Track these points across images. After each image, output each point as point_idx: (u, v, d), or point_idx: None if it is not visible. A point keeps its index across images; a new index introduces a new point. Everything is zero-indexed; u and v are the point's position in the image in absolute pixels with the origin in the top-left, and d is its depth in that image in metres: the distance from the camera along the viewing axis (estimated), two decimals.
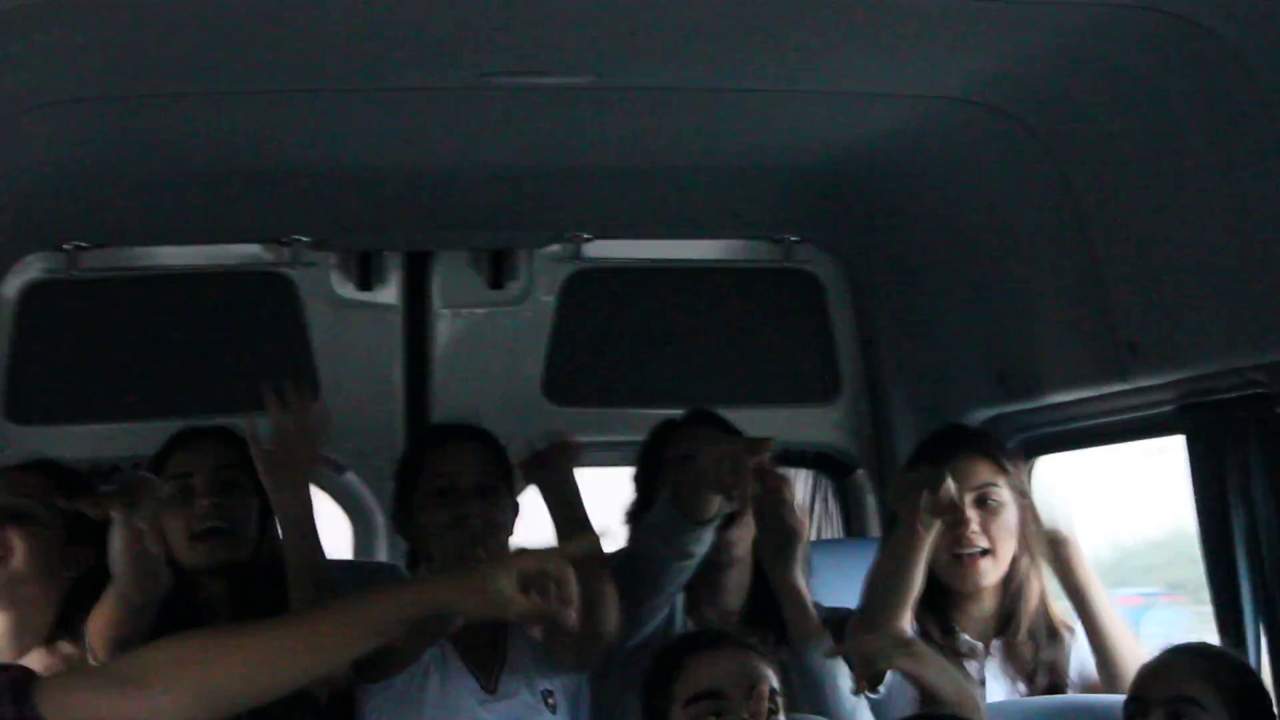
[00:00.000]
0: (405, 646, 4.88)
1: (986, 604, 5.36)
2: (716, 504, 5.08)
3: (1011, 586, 5.36)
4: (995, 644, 5.37)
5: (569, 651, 5.14)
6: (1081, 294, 5.58)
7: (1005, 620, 5.35)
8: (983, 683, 5.28)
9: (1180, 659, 4.50)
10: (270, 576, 5.18)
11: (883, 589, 5.05)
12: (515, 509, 5.36)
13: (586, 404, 6.88)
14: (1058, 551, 5.45)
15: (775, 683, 4.46)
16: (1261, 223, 4.62)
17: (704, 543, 5.18)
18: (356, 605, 3.56)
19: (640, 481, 5.70)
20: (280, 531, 5.17)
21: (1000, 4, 4.58)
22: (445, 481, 5.22)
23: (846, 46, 4.96)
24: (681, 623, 5.44)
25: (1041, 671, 5.33)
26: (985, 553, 5.30)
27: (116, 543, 4.79)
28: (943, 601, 5.36)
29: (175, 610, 5.03)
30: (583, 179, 6.31)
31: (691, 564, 5.22)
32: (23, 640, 5.20)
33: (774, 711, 4.41)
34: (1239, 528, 5.13)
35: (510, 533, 5.30)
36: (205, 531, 5.24)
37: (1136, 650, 5.27)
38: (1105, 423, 5.98)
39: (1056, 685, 5.41)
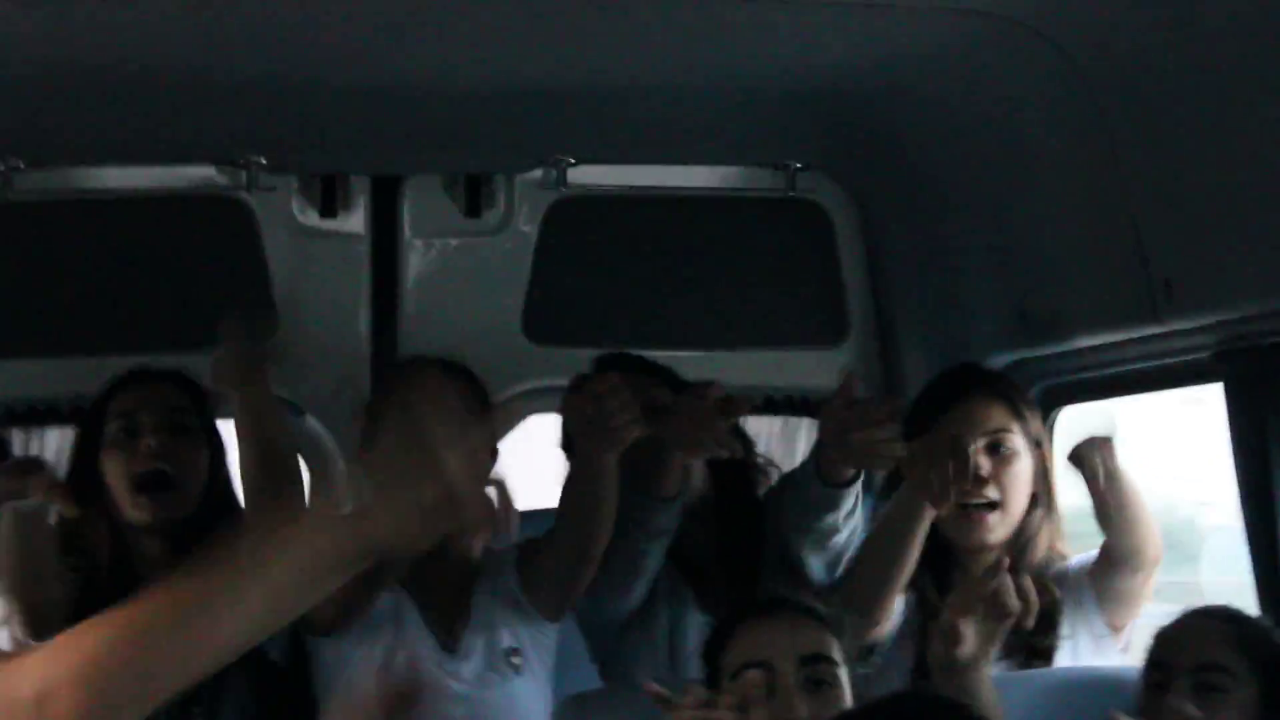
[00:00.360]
0: (350, 597, 4.83)
1: (989, 559, 5.07)
2: (678, 478, 5.15)
3: (1021, 539, 5.29)
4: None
5: (551, 583, 5.18)
6: (1112, 228, 5.46)
7: (1011, 571, 5.11)
8: None
9: (1207, 623, 4.45)
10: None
11: (875, 563, 5.10)
12: (494, 454, 5.32)
13: (569, 344, 6.74)
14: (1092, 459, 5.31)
15: (833, 652, 4.31)
16: None
17: (675, 515, 5.21)
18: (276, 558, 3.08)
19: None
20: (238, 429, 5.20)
21: None
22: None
23: None
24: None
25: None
26: (994, 505, 5.23)
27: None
28: (943, 558, 5.30)
29: (110, 572, 5.10)
30: (567, 98, 6.11)
31: (667, 539, 5.24)
32: None
33: (827, 683, 4.26)
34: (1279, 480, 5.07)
35: None
36: (149, 476, 5.19)
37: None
38: (1136, 369, 5.89)
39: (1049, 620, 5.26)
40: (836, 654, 4.29)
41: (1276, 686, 4.34)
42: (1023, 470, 5.26)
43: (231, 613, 3.02)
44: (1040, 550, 5.30)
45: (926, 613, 5.15)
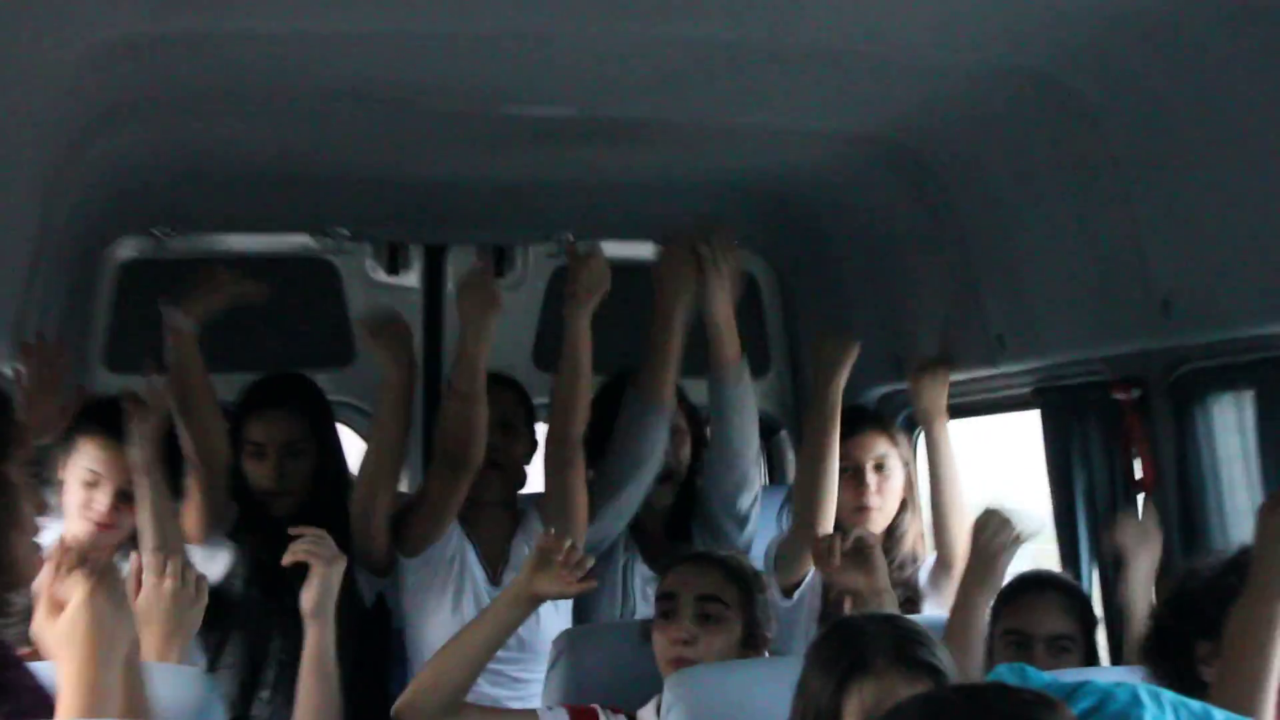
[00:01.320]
0: (431, 529, 5.09)
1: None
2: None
3: (895, 532, 5.37)
4: None
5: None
6: (960, 295, 5.51)
7: (885, 554, 5.09)
8: None
9: (1054, 598, 4.39)
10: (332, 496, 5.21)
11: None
12: (533, 442, 5.38)
13: None
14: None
15: (725, 596, 4.26)
16: (1107, 239, 4.58)
17: (666, 428, 5.29)
18: None
19: None
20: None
21: (898, 59, 4.44)
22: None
23: (775, 94, 4.84)
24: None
25: (902, 587, 5.24)
26: (879, 506, 5.33)
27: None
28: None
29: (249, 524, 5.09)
30: (568, 191, 6.16)
31: (660, 450, 5.28)
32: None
33: (715, 619, 4.22)
34: (1080, 487, 5.06)
35: (527, 460, 5.38)
36: (268, 490, 5.20)
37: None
38: (977, 400, 5.87)
39: (912, 600, 5.35)
40: (730, 598, 4.25)
41: (1093, 644, 4.39)
42: (896, 482, 5.36)
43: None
44: (909, 541, 5.38)
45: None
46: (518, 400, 5.38)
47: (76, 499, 4.80)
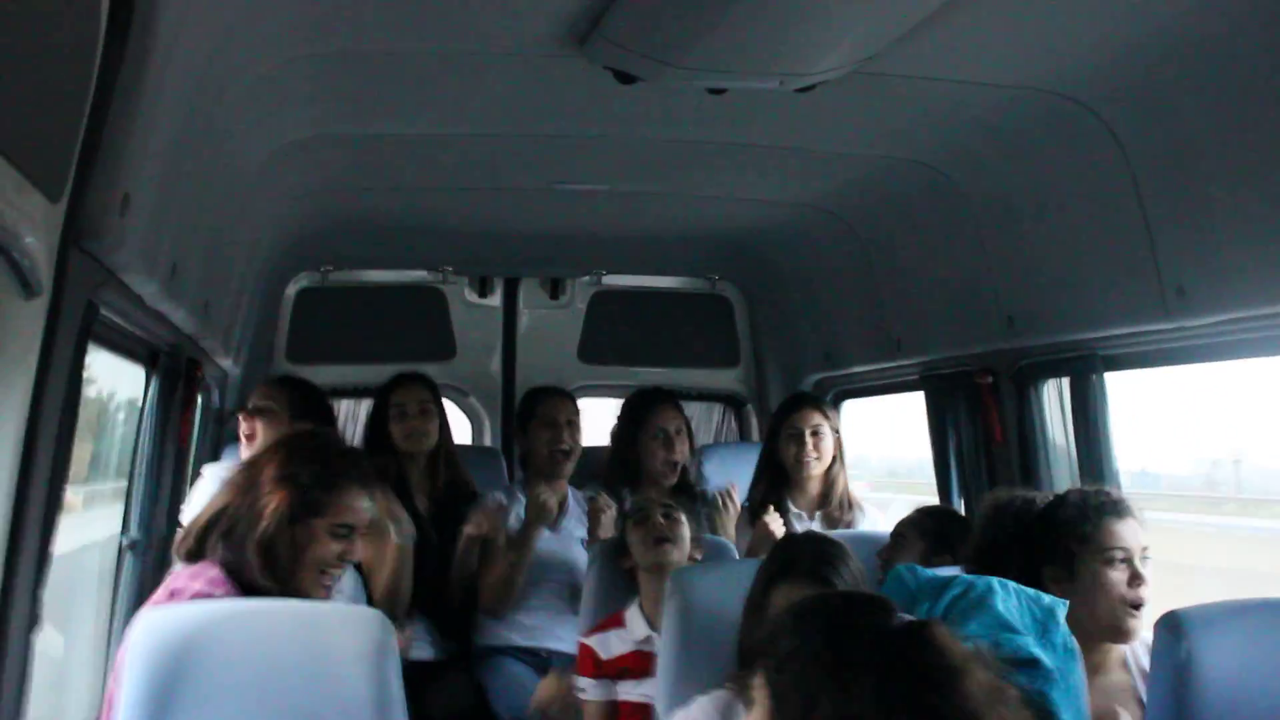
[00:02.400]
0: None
1: (811, 490, 5.14)
2: None
3: (827, 480, 5.15)
4: (818, 514, 5.14)
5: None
6: (867, 309, 5.42)
7: (823, 500, 5.14)
8: None
9: (911, 514, 4.21)
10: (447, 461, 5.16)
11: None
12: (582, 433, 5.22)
13: (600, 364, 6.72)
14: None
15: (681, 505, 4.23)
16: (966, 271, 4.52)
17: None
18: None
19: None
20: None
21: (827, 152, 4.43)
22: (553, 418, 5.07)
23: (743, 175, 4.81)
24: None
25: (844, 526, 5.07)
26: (816, 459, 5.12)
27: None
28: (782, 487, 5.13)
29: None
30: (601, 241, 6.10)
31: None
32: None
33: (675, 520, 4.16)
34: (952, 446, 4.99)
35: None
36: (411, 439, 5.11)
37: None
38: (881, 384, 5.83)
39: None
40: (683, 506, 4.22)
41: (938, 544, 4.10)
42: (829, 443, 5.12)
43: None
44: (840, 487, 5.13)
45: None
46: (574, 408, 5.21)
47: None
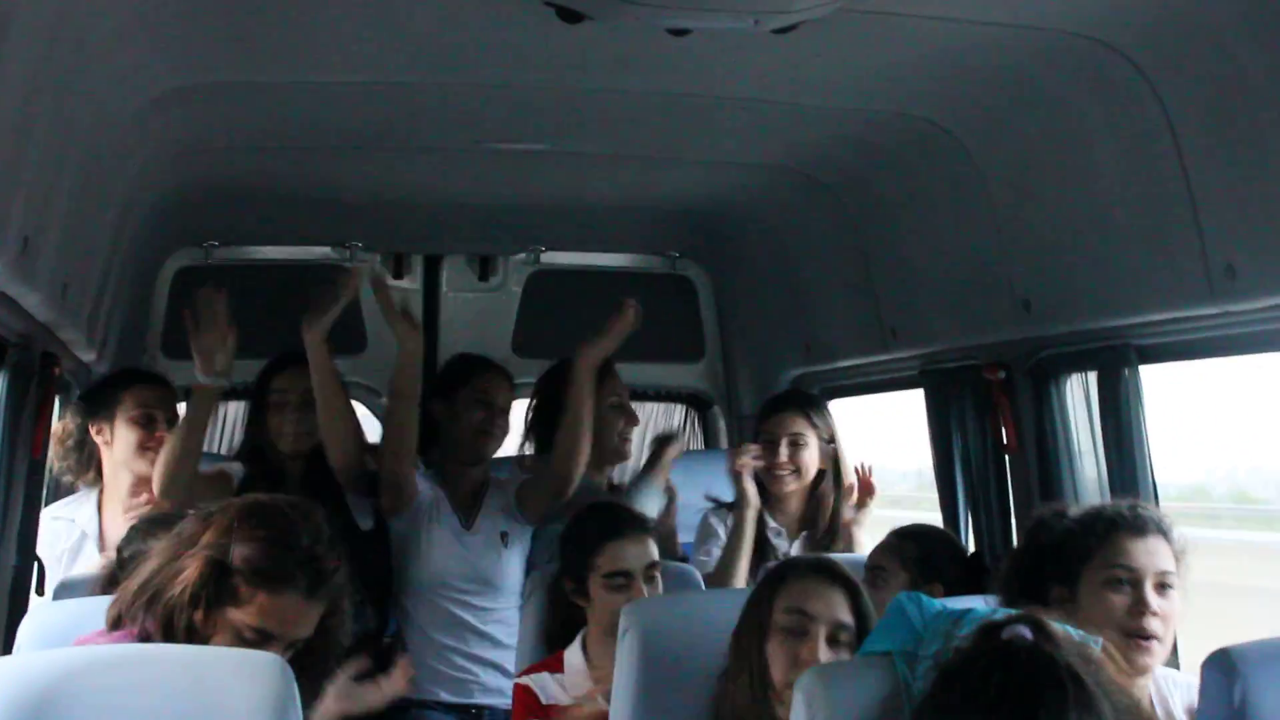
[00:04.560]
0: (409, 490, 4.88)
1: (791, 508, 5.20)
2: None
3: (811, 499, 5.19)
4: (802, 536, 5.17)
5: (538, 496, 4.95)
6: (857, 293, 5.46)
7: (808, 522, 5.18)
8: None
9: (886, 540, 4.33)
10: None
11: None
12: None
13: (539, 357, 6.40)
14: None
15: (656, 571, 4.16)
16: (975, 247, 4.56)
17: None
18: None
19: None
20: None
21: (808, 106, 4.45)
22: (487, 397, 5.02)
23: (707, 132, 4.84)
24: None
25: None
26: (793, 472, 5.15)
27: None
28: (762, 500, 5.16)
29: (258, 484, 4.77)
30: (541, 210, 6.12)
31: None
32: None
33: (655, 580, 4.13)
34: (957, 452, 5.01)
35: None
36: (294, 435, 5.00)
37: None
38: (872, 380, 5.88)
39: None
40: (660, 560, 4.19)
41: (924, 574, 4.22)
42: (810, 454, 5.14)
43: None
44: (829, 509, 5.16)
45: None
46: (509, 384, 5.22)
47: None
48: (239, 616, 2.94)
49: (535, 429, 5.26)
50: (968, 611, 2.93)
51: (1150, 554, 3.29)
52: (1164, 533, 3.32)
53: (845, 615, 3.25)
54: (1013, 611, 2.62)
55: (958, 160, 4.44)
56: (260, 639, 2.94)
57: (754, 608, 3.26)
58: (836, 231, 5.45)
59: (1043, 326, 4.39)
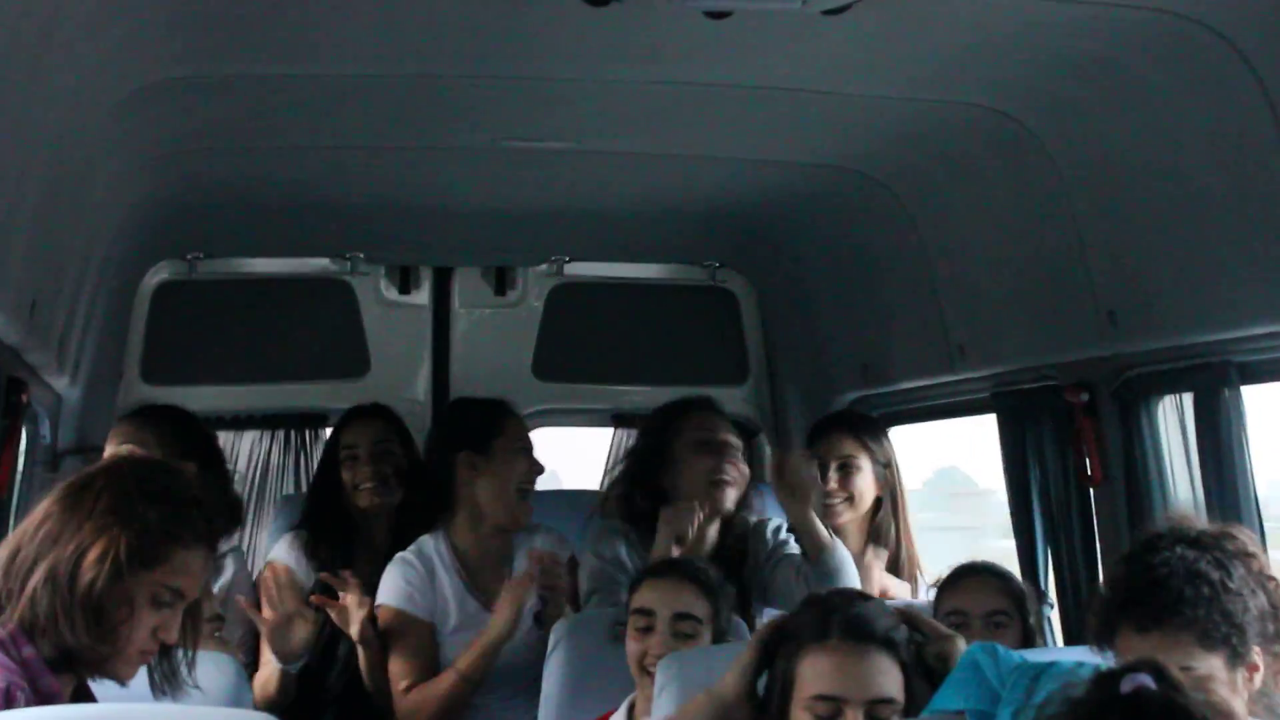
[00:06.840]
0: None
1: (851, 542, 5.13)
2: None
3: (869, 530, 5.27)
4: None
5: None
6: (923, 311, 5.47)
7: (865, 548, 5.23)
8: None
9: (989, 580, 4.27)
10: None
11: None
12: None
13: (563, 380, 6.77)
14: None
15: (699, 611, 4.11)
16: (1053, 254, 4.56)
17: None
18: None
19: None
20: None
21: (863, 96, 4.46)
22: (526, 444, 4.95)
23: (752, 127, 4.83)
24: None
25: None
26: (845, 500, 5.23)
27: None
28: None
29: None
30: (564, 217, 6.14)
31: None
32: None
33: (691, 636, 4.08)
34: (1035, 484, 5.01)
35: None
36: (368, 488, 5.26)
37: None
38: (939, 404, 5.87)
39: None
40: (701, 612, 4.10)
41: (1028, 624, 4.22)
42: (864, 481, 5.22)
43: None
44: (888, 533, 5.23)
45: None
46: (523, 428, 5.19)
47: None
48: (154, 578, 3.02)
49: (637, 479, 5.09)
50: (1051, 665, 2.93)
51: None
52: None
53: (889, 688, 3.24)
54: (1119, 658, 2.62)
55: (1032, 156, 4.44)
56: (175, 598, 3.06)
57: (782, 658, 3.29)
58: (896, 237, 5.45)
59: (1130, 342, 4.38)
